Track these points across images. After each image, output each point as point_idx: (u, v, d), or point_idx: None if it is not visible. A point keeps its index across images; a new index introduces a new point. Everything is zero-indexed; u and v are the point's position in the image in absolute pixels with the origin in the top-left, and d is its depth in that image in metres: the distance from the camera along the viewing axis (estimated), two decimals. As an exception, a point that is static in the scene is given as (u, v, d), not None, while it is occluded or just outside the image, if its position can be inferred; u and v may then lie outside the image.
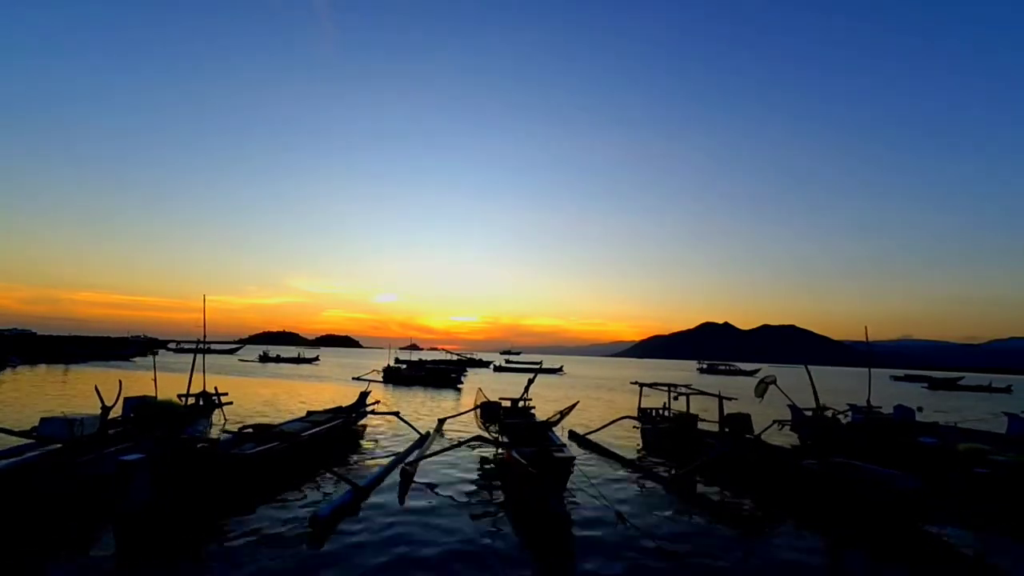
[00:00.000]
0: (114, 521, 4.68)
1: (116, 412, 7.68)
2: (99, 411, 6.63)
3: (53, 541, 4.56)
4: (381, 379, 25.71)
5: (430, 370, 28.34)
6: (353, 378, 25.76)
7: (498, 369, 47.78)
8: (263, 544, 4.65)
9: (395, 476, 7.04)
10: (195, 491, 5.44)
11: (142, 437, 6.71)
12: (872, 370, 13.21)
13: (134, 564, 4.28)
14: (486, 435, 8.98)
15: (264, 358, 48.02)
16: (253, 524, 5.12)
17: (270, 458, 6.66)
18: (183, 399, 9.05)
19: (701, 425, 9.95)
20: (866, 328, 11.74)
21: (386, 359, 36.11)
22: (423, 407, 15.80)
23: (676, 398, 11.76)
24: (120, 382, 7.40)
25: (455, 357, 47.21)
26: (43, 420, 6.10)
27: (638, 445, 10.57)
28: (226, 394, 10.08)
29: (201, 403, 9.40)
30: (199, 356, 10.90)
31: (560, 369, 48.31)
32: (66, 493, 5.41)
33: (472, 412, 11.81)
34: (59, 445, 5.87)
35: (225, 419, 10.49)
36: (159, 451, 5.28)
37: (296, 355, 54.49)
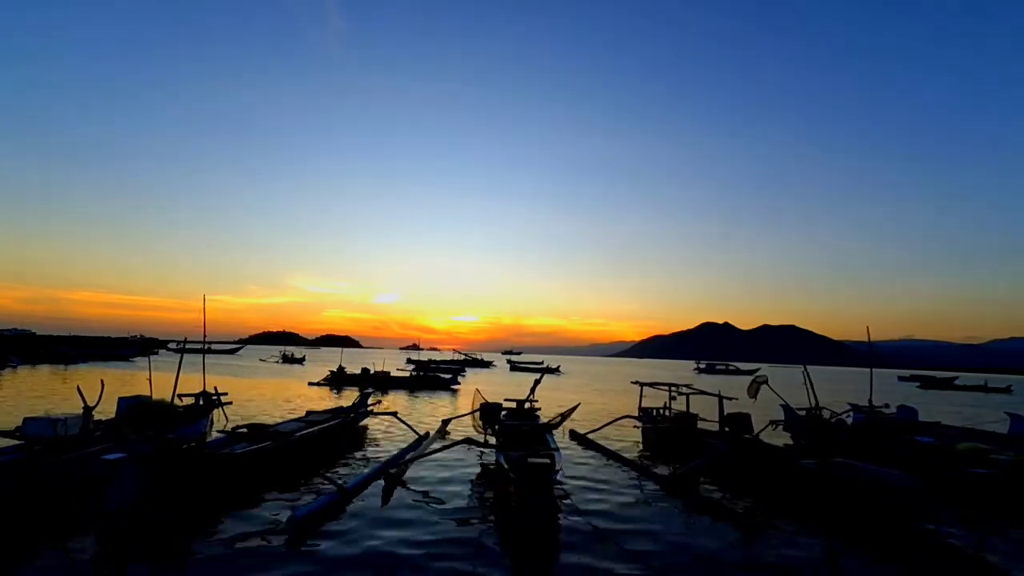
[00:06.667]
0: (95, 521, 4.65)
1: (109, 412, 7.64)
2: (85, 411, 6.54)
3: (34, 541, 4.52)
4: (327, 383, 22.96)
5: (418, 373, 24.92)
6: (310, 383, 23.25)
7: (514, 368, 49.26)
8: (241, 545, 4.62)
9: (383, 479, 6.91)
10: (180, 491, 5.40)
11: (129, 437, 6.68)
12: (876, 370, 13.22)
13: (114, 565, 4.25)
14: (477, 437, 8.87)
15: (289, 359, 48.47)
16: (235, 525, 5.08)
17: (259, 458, 6.58)
18: (181, 399, 8.89)
19: (701, 425, 9.94)
20: (868, 328, 11.80)
21: (388, 359, 35.85)
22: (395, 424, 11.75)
23: (675, 398, 11.74)
24: (102, 382, 7.32)
25: (462, 357, 47.43)
26: (27, 420, 6.07)
27: (639, 444, 10.59)
28: (226, 394, 9.96)
29: (201, 403, 9.28)
30: (201, 355, 11.43)
31: (558, 369, 48.10)
32: (47, 492, 5.34)
33: (471, 414, 11.69)
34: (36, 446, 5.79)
35: (227, 419, 10.28)
36: (143, 450, 5.23)
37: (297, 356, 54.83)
